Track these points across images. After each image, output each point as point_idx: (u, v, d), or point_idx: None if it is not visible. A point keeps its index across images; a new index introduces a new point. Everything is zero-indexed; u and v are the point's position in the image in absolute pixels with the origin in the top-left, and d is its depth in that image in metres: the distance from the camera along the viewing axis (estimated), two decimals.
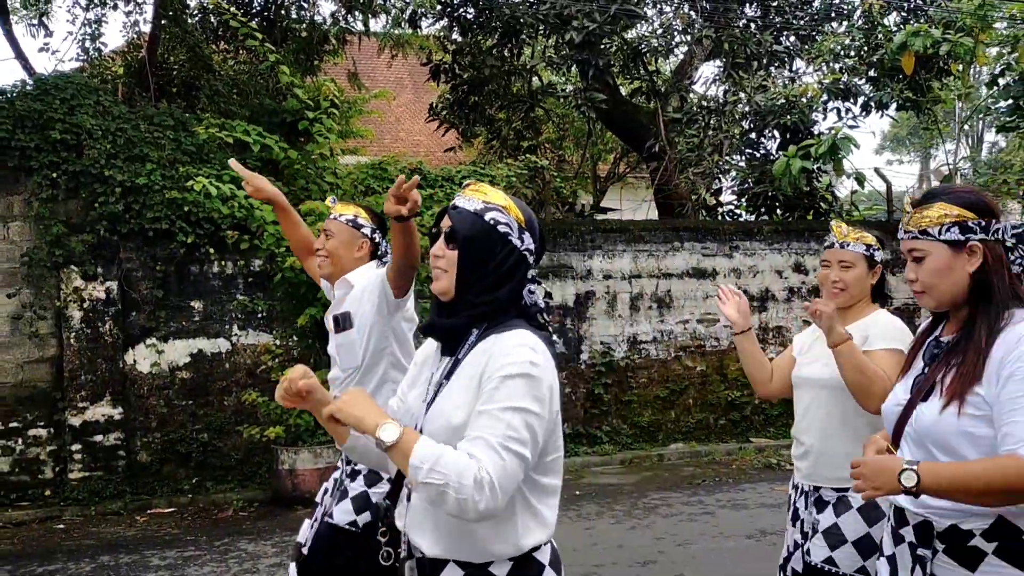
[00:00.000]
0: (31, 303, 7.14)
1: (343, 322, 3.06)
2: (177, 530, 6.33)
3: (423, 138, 15.79)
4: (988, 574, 1.82)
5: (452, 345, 1.91)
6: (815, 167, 9.19)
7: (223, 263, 7.64)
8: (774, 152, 10.40)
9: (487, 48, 10.38)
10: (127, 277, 7.39)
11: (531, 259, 1.96)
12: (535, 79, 11.18)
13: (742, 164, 10.71)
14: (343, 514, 2.88)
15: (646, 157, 10.77)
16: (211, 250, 7.48)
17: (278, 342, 7.66)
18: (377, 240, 3.21)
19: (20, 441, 7.17)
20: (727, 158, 10.28)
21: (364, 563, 2.67)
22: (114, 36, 50.62)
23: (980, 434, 1.82)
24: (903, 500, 1.93)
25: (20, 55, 9.28)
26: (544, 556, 1.88)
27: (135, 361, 7.40)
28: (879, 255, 2.92)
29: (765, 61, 10.33)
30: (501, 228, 1.91)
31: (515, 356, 1.78)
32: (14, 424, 7.14)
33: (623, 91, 11.82)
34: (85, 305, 7.21)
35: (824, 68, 10.48)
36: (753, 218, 10.64)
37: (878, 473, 1.86)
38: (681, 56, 11.95)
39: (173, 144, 7.42)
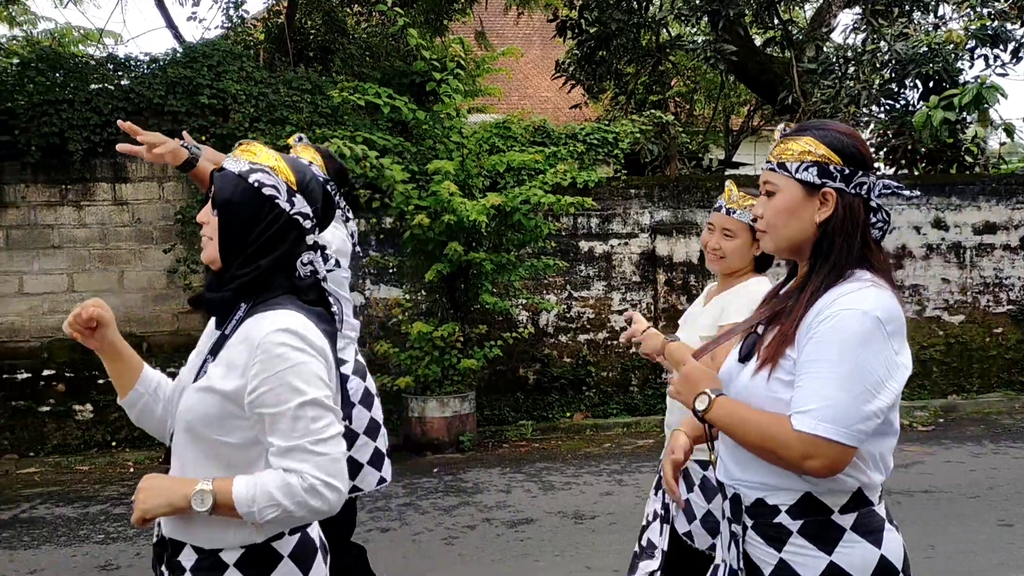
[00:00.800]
0: (184, 258, 7.69)
1: None
2: None
3: (551, 94, 15.82)
4: (793, 555, 1.68)
5: (221, 319, 1.79)
6: (959, 118, 8.73)
7: (357, 221, 8.00)
8: (915, 103, 9.92)
9: (614, 2, 10.29)
10: None
11: (308, 224, 1.80)
12: (663, 32, 11.01)
13: (881, 116, 10.27)
14: None
15: (779, 110, 10.48)
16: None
17: (407, 296, 7.98)
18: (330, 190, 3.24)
19: None
20: (865, 109, 9.88)
21: None
22: (255, 2, 52.64)
23: (787, 399, 1.66)
24: (721, 474, 1.83)
25: (171, 24, 9.87)
26: (284, 547, 1.77)
27: None
28: None
29: (907, 7, 9.82)
30: (266, 191, 1.76)
31: (275, 349, 1.65)
32: (171, 369, 7.76)
33: (756, 41, 11.49)
34: None
35: (971, 13, 9.86)
36: (892, 172, 10.22)
37: (685, 384, 1.79)
38: (818, 4, 11.49)
39: (310, 107, 7.79)
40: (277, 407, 1.64)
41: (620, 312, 8.46)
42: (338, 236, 3.13)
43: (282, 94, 7.79)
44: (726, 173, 11.49)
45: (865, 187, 1.76)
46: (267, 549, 1.75)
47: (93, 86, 7.56)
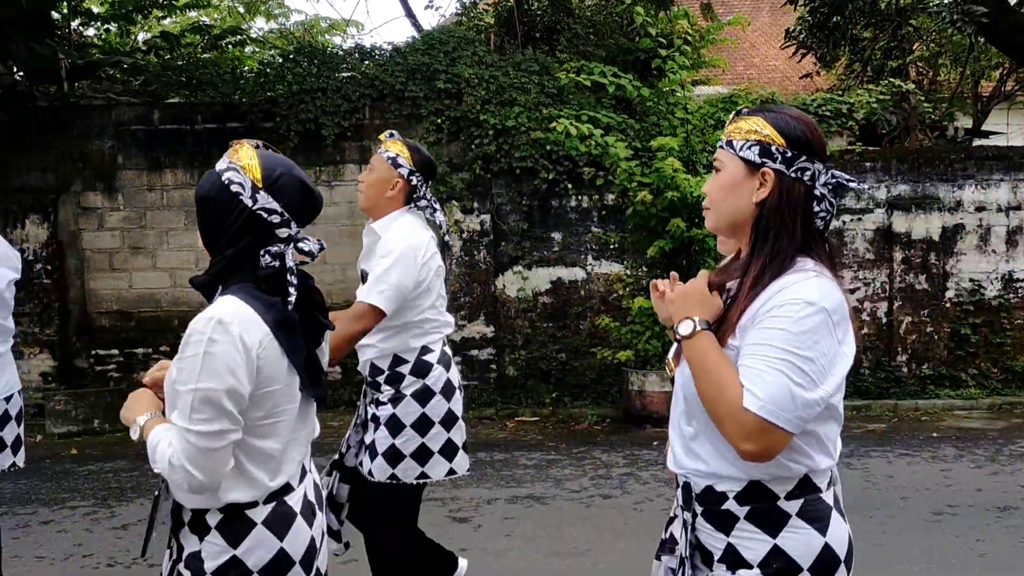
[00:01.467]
0: None
1: (363, 278, 3.16)
2: (540, 436, 7.11)
3: (779, 63, 15.27)
4: (740, 539, 1.70)
5: (209, 301, 1.91)
6: None
7: (579, 198, 8.22)
8: None
9: None
10: (498, 211, 8.23)
11: (275, 219, 1.89)
12: None
13: None
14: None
15: None
16: (569, 185, 8.07)
17: (628, 272, 8.10)
18: (414, 183, 3.18)
19: None
20: None
21: None
22: None
23: None
24: (671, 463, 1.82)
25: (409, 13, 10.52)
26: (257, 515, 1.90)
27: (504, 286, 8.26)
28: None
29: None
30: (233, 188, 1.88)
31: (197, 334, 1.78)
32: None
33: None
34: (464, 236, 8.17)
35: None
36: None
37: (681, 300, 1.77)
38: None
39: (537, 88, 8.07)
40: (178, 385, 1.80)
41: (852, 291, 8.15)
42: (433, 245, 3.22)
43: (511, 76, 8.11)
44: (974, 144, 10.66)
45: (808, 173, 1.72)
46: (241, 515, 1.90)
47: (342, 75, 8.23)
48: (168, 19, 11.87)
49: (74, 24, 10.07)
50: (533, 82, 8.09)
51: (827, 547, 1.70)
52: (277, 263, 1.90)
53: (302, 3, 41.93)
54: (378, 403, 3.23)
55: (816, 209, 1.73)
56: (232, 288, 1.89)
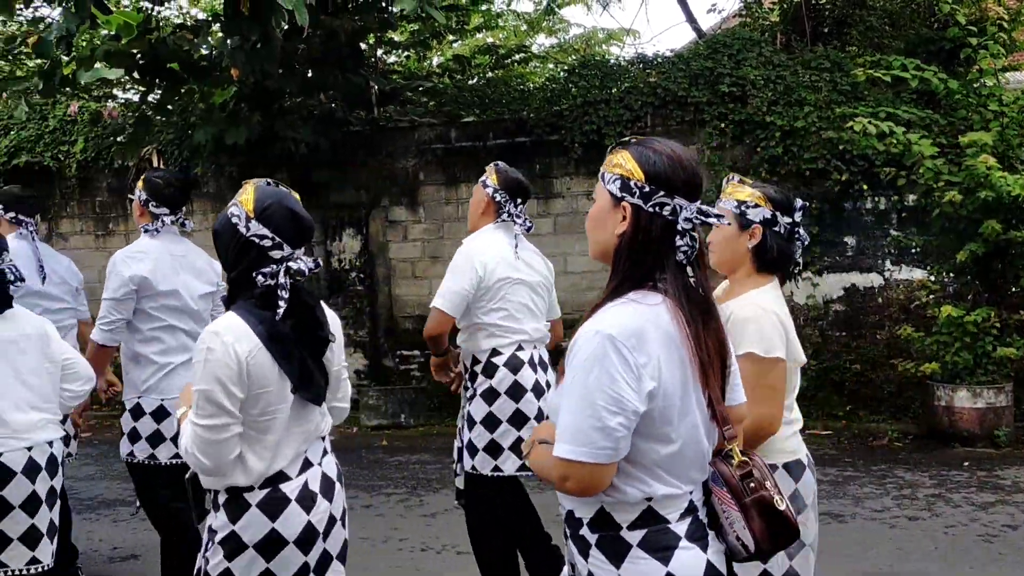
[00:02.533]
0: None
1: None
2: (835, 451, 6.78)
3: None
4: (594, 566, 1.74)
5: None
6: None
7: (876, 199, 7.76)
8: None
9: None
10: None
11: (267, 243, 2.24)
12: None
13: None
14: None
15: None
16: (864, 186, 7.64)
17: (933, 278, 7.52)
18: (498, 200, 3.58)
19: None
20: None
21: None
22: None
23: None
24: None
25: (691, 18, 10.48)
26: (253, 498, 2.26)
27: (791, 293, 7.98)
28: (755, 214, 2.49)
29: None
30: (232, 219, 2.27)
31: (200, 344, 2.22)
32: None
33: None
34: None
35: None
36: None
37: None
38: None
39: (828, 85, 7.72)
40: (192, 385, 2.23)
41: None
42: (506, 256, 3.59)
43: (799, 75, 7.83)
44: None
45: (668, 208, 1.73)
46: (239, 497, 2.27)
47: (624, 85, 8.37)
48: (458, 42, 12.69)
49: (379, 52, 11.07)
50: (824, 80, 7.75)
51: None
52: (271, 281, 2.25)
53: (581, 16, 43.05)
54: (467, 399, 3.66)
55: (678, 243, 1.74)
56: (235, 305, 2.28)
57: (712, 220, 1.79)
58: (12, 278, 3.14)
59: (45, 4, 8.70)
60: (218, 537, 2.29)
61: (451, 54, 12.05)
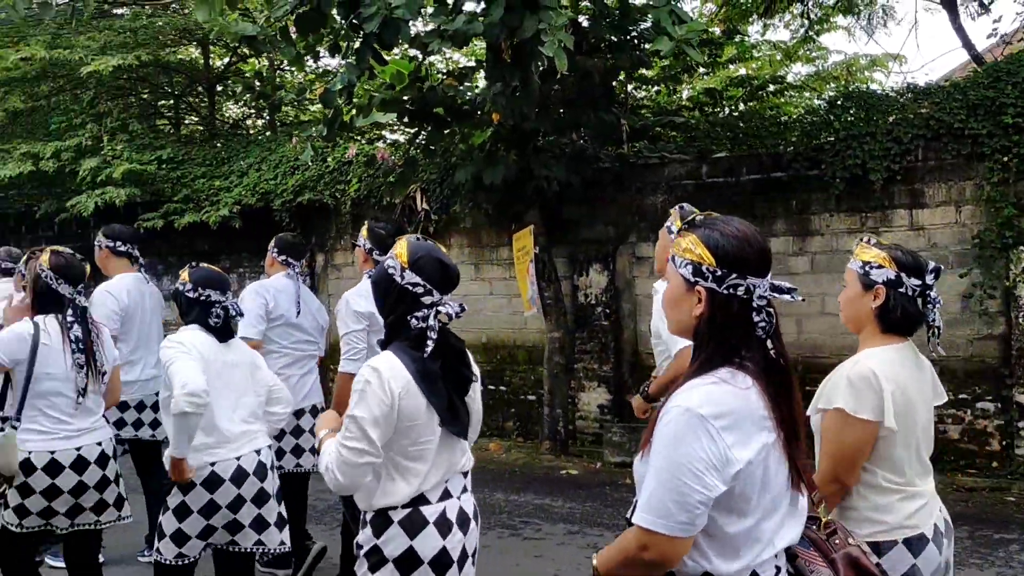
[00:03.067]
0: (981, 283, 7.47)
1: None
2: None
3: None
4: None
5: None
6: None
7: None
8: None
9: None
10: None
11: (419, 291, 2.60)
12: None
13: None
14: None
15: None
16: None
17: None
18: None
19: (969, 412, 7.62)
20: None
21: None
22: None
23: None
24: None
25: (968, 44, 9.67)
26: (396, 516, 2.58)
27: None
28: (879, 275, 2.56)
29: None
30: (389, 271, 2.64)
31: (360, 377, 2.56)
32: (963, 395, 7.63)
33: None
34: None
35: None
36: None
37: None
38: None
39: None
40: (348, 411, 2.55)
41: None
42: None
43: None
44: None
45: (742, 288, 1.82)
46: (385, 515, 2.60)
47: (892, 116, 7.87)
48: (709, 74, 12.53)
49: (629, 88, 11.16)
50: None
51: None
52: (423, 324, 2.57)
53: (842, 43, 41.06)
54: None
55: (756, 319, 1.82)
56: (391, 345, 2.63)
57: (785, 296, 1.87)
58: (234, 313, 3.76)
59: (328, 56, 9.57)
60: (363, 551, 2.63)
61: (702, 87, 11.91)
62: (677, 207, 3.92)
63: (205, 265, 3.85)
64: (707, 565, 1.81)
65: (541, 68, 7.31)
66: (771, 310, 1.86)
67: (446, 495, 2.65)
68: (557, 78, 7.69)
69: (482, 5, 7.11)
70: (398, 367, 2.54)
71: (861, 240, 2.71)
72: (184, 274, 3.77)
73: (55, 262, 3.94)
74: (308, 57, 8.77)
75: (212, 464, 3.61)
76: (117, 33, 10.81)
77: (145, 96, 12.85)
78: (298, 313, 4.98)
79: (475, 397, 2.76)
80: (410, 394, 2.53)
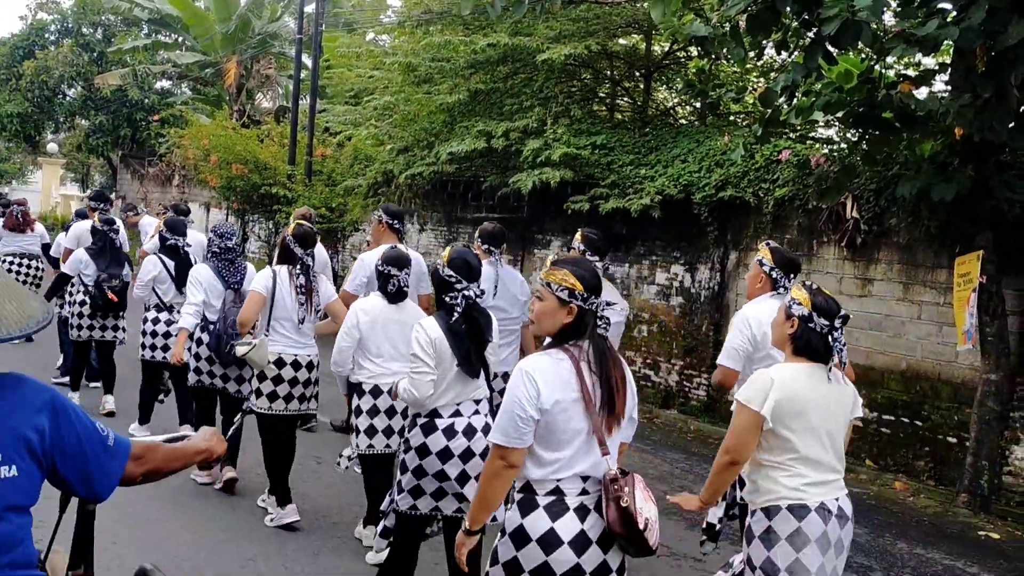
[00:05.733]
0: None
1: None
2: None
3: None
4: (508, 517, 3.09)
5: None
6: None
7: None
8: None
9: None
10: None
11: (451, 279, 4.17)
12: None
13: None
14: None
15: None
16: None
17: None
18: (775, 276, 4.62)
19: None
20: None
21: None
22: None
23: None
24: None
25: None
26: (419, 420, 4.29)
27: None
28: (797, 310, 3.48)
29: None
30: (439, 266, 4.25)
31: (413, 329, 4.28)
32: None
33: None
34: None
35: None
36: None
37: None
38: None
39: None
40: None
41: None
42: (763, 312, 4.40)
43: None
44: None
45: (595, 305, 2.97)
46: (413, 419, 4.34)
47: None
48: None
49: None
50: None
51: (521, 526, 2.90)
52: (452, 302, 4.17)
53: None
54: None
55: (599, 323, 3.01)
56: (436, 313, 4.30)
57: (607, 312, 3.14)
58: (400, 285, 5.03)
59: (774, 52, 9.27)
60: (401, 441, 4.66)
61: None
62: (765, 243, 4.73)
63: (397, 246, 5.41)
64: (527, 473, 2.94)
65: (1022, 79, 6.38)
66: (607, 317, 3.39)
67: (456, 414, 4.27)
68: None
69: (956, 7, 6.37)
70: (435, 325, 4.19)
71: (798, 281, 3.86)
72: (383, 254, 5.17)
73: (296, 231, 5.76)
74: (752, 54, 8.56)
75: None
76: (572, 22, 11.47)
77: (586, 79, 13.52)
78: (494, 295, 5.87)
79: (491, 351, 4.35)
80: (441, 343, 4.15)
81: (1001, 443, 7.88)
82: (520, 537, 2.89)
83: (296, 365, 5.66)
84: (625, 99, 14.07)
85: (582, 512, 2.87)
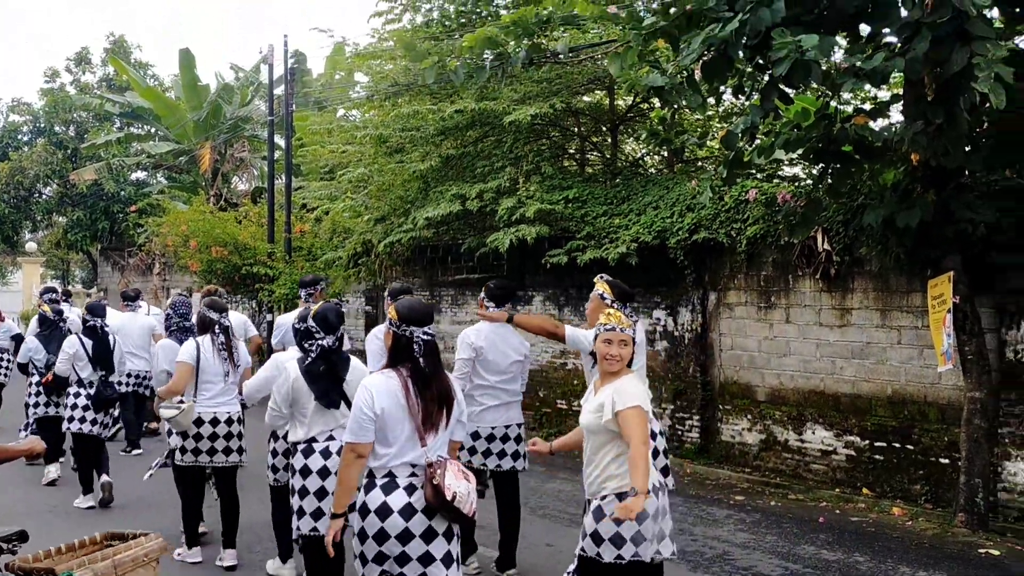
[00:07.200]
0: None
1: None
2: None
3: None
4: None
5: None
6: None
7: None
8: None
9: None
10: None
11: (313, 330, 5.06)
12: None
13: None
14: None
15: None
16: None
17: None
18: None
19: None
20: None
21: None
22: None
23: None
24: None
25: None
26: (300, 447, 5.13)
27: None
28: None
29: None
30: (302, 322, 5.14)
31: (280, 366, 5.39)
32: None
33: None
34: None
35: None
36: None
37: None
38: None
39: None
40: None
41: None
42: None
43: None
44: None
45: (408, 331, 3.95)
46: (295, 447, 5.20)
47: None
48: None
49: None
50: None
51: (364, 504, 3.87)
52: (313, 348, 5.01)
53: None
54: None
55: (414, 348, 3.94)
56: (298, 358, 5.10)
57: (426, 337, 3.98)
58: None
59: (732, 96, 9.54)
60: (292, 466, 5.26)
61: None
62: (600, 276, 5.36)
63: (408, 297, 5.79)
64: (369, 463, 3.89)
65: (970, 103, 6.62)
66: (424, 341, 3.97)
67: (330, 438, 5.01)
68: (989, 111, 6.90)
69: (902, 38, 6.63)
70: (294, 366, 5.04)
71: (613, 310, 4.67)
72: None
73: (207, 303, 6.66)
74: (711, 100, 8.81)
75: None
76: (535, 84, 11.76)
77: (555, 137, 13.81)
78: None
79: (348, 389, 4.95)
80: (298, 382, 5.00)
81: (992, 460, 7.95)
82: (363, 510, 3.85)
83: (215, 422, 6.44)
84: (594, 153, 14.36)
85: (410, 490, 3.83)
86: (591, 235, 11.20)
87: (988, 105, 6.17)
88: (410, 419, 3.84)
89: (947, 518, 7.88)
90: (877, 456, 9.09)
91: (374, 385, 3.89)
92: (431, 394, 3.89)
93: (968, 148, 7.29)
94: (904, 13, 6.50)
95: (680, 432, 11.16)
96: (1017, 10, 7.14)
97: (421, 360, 3.92)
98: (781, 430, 10.03)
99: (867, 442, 9.18)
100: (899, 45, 6.71)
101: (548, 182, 11.81)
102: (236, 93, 24.37)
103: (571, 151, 14.26)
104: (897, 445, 8.92)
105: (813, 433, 9.71)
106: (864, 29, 7.29)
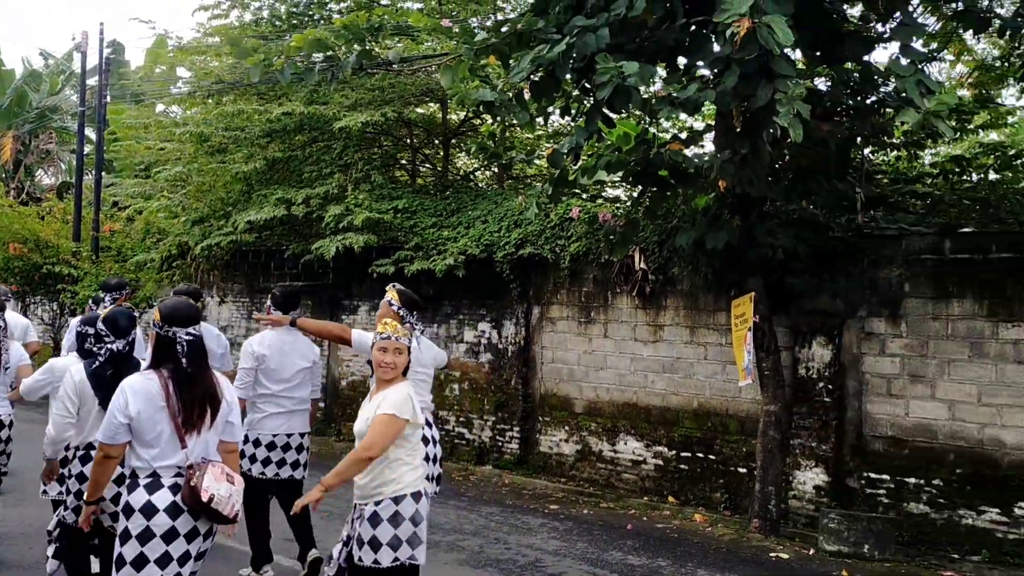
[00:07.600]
0: None
1: None
2: None
3: None
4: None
5: None
6: None
7: None
8: None
9: None
10: None
11: (103, 335, 4.84)
12: None
13: None
14: None
15: None
16: None
17: None
18: (403, 315, 5.37)
19: None
20: None
21: None
22: None
23: None
24: None
25: None
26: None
27: None
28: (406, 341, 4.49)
29: None
30: (92, 327, 5.08)
31: (65, 372, 5.06)
32: None
33: None
34: None
35: None
36: None
37: None
38: None
39: None
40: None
41: None
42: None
43: None
44: None
45: (170, 332, 3.92)
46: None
47: None
48: (956, 139, 11.66)
49: (866, 151, 10.61)
50: None
51: (128, 502, 3.82)
52: (101, 351, 4.76)
53: None
54: None
55: (176, 348, 3.95)
56: (84, 362, 4.84)
57: (189, 337, 3.94)
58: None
59: (559, 117, 9.83)
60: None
61: (948, 155, 11.14)
62: (392, 285, 5.54)
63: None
64: (131, 463, 3.86)
65: (773, 136, 7.13)
66: (187, 342, 3.92)
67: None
68: (789, 145, 7.47)
69: (715, 72, 7.06)
70: (80, 370, 4.79)
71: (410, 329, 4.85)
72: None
73: None
74: (539, 119, 9.05)
75: None
76: (368, 91, 11.67)
77: (387, 146, 13.74)
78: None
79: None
80: (83, 385, 4.74)
81: (784, 469, 8.55)
82: (127, 509, 3.82)
83: None
84: (426, 165, 14.40)
85: (175, 489, 3.82)
86: (419, 246, 11.21)
87: (788, 139, 6.67)
88: (170, 420, 3.82)
89: (743, 524, 8.40)
90: (683, 466, 9.58)
91: (131, 387, 3.84)
92: (192, 395, 3.86)
93: (770, 178, 7.84)
94: (716, 48, 6.92)
95: (500, 443, 11.32)
96: (817, 53, 7.75)
97: (184, 361, 3.89)
98: (596, 441, 10.38)
99: (674, 452, 9.65)
100: (712, 78, 7.14)
101: (378, 191, 11.73)
102: (45, 81, 22.80)
103: (403, 161, 14.24)
104: (701, 455, 9.42)
105: (625, 444, 10.10)
106: (681, 61, 7.70)
